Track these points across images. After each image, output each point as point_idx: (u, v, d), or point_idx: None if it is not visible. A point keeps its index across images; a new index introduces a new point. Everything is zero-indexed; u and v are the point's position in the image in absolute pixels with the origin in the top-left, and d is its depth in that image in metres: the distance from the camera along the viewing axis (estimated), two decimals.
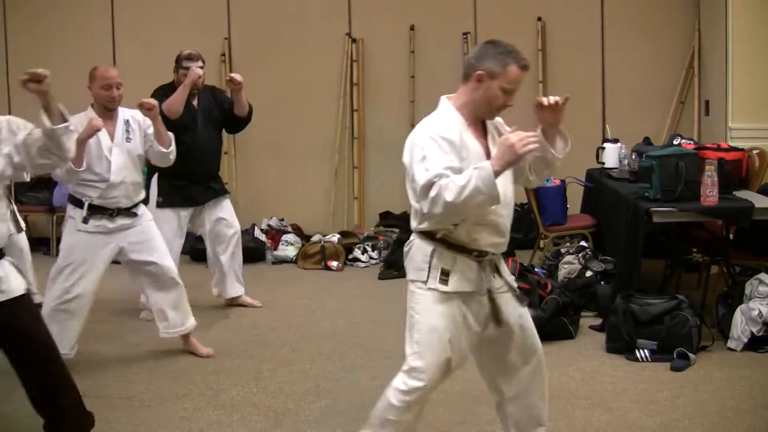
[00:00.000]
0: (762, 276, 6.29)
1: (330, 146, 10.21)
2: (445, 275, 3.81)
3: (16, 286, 4.14)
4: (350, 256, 9.22)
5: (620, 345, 6.07)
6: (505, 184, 3.80)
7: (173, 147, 6.16)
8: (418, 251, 3.90)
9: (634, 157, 7.57)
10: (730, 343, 6.14)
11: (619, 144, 8.24)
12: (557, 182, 8.12)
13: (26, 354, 4.19)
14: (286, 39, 10.18)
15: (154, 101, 5.96)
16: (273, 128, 10.21)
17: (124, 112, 6.02)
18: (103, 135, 5.81)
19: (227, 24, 10.41)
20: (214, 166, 7.43)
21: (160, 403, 5.37)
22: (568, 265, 7.47)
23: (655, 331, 5.97)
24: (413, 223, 3.91)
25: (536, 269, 7.42)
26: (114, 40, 10.46)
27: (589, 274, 7.27)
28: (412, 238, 3.97)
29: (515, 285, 4.07)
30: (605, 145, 8.35)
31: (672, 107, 9.87)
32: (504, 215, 3.87)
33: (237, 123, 7.47)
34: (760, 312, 6.06)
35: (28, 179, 4.43)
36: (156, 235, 6.14)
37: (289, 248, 9.40)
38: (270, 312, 7.42)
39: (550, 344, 6.22)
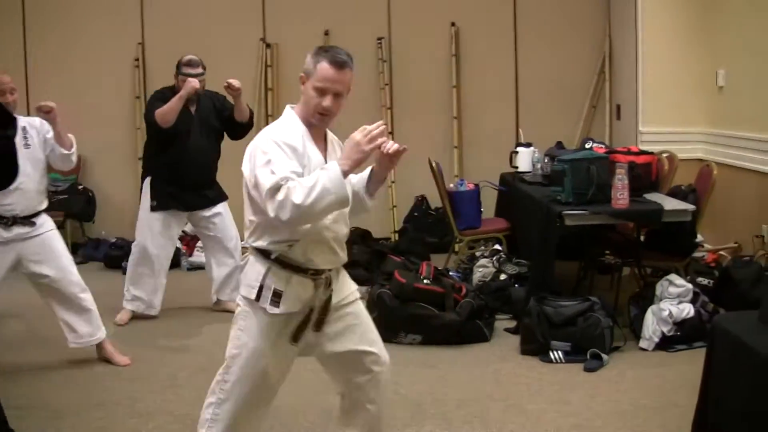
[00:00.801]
0: (672, 277, 6.41)
1: (243, 152, 10.12)
2: (277, 297, 3.73)
3: None
4: None
5: (534, 347, 6.14)
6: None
7: (74, 149, 6.03)
8: (252, 269, 3.80)
9: (546, 160, 7.67)
10: (642, 343, 6.25)
11: (532, 148, 8.34)
12: (471, 186, 8.17)
13: None
14: (201, 43, 10.05)
15: (51, 104, 5.79)
16: None
17: (20, 119, 5.84)
18: None
19: (141, 28, 10.30)
20: (208, 173, 7.28)
21: (75, 412, 5.29)
22: (483, 269, 7.53)
23: (569, 333, 6.05)
24: (249, 239, 3.84)
25: (451, 273, 7.47)
26: (25, 44, 10.28)
27: (503, 277, 7.33)
28: (247, 254, 3.88)
29: (357, 295, 4.05)
30: (518, 149, 8.44)
31: (584, 111, 10.02)
32: (338, 232, 3.83)
33: (238, 129, 7.32)
34: (670, 312, 6.17)
35: None
36: (57, 245, 5.99)
37: (204, 255, 9.30)
38: (185, 318, 7.36)
39: (465, 347, 6.34)
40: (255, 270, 3.77)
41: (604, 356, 5.94)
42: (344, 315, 3.94)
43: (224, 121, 7.23)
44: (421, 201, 9.87)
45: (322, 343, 3.91)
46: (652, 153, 7.33)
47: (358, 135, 3.54)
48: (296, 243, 3.69)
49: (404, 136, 9.96)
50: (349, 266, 8.27)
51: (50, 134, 5.92)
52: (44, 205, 5.98)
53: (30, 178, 5.80)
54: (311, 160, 3.70)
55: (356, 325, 3.98)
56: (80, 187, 10.12)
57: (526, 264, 7.32)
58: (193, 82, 6.88)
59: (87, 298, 6.08)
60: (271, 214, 3.53)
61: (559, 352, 6.03)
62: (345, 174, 3.50)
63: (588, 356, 5.94)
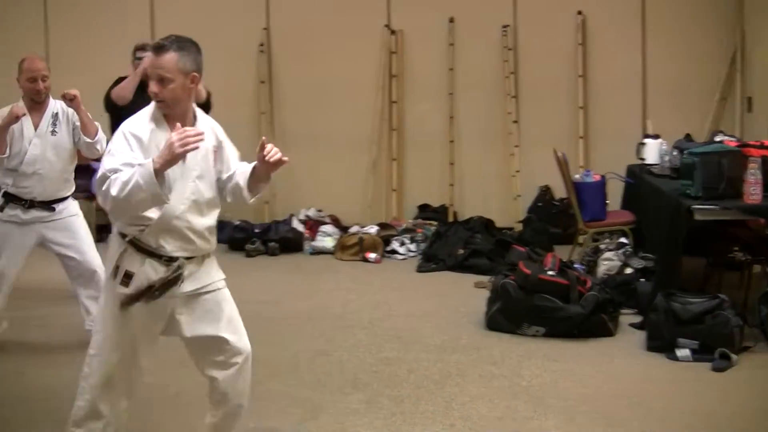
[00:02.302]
0: None
1: (368, 138, 10.21)
2: (127, 278, 3.84)
3: None
4: (388, 248, 9.20)
5: (660, 344, 6.00)
6: (201, 190, 3.88)
7: (99, 137, 6.07)
8: (112, 245, 3.96)
9: (675, 153, 7.50)
10: None
11: (660, 140, 8.16)
12: (597, 178, 8.06)
13: None
14: (326, 29, 10.18)
15: (75, 91, 5.87)
16: (311, 119, 10.25)
17: (55, 105, 6.00)
18: (27, 125, 5.86)
19: (266, 14, 10.42)
20: None
21: (198, 395, 5.31)
22: (608, 262, 7.41)
23: (696, 331, 5.90)
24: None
25: (575, 265, 7.36)
26: (153, 29, 10.49)
27: (629, 271, 7.20)
28: (113, 230, 4.00)
29: (222, 285, 4.12)
30: (646, 140, 8.27)
31: (714, 103, 9.77)
32: (192, 222, 3.88)
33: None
34: None
35: None
36: (80, 229, 6.13)
37: (326, 239, 9.39)
38: (307, 302, 7.41)
39: (588, 341, 6.24)
40: (113, 250, 3.93)
41: (733, 356, 5.78)
42: (203, 302, 4.02)
43: None
44: (546, 191, 9.78)
45: (180, 327, 4.00)
46: None
47: (175, 136, 3.58)
48: (147, 228, 3.80)
49: (529, 125, 9.91)
50: (472, 255, 8.37)
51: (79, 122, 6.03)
52: (67, 191, 6.10)
53: (51, 164, 5.94)
54: (161, 149, 3.69)
55: (215, 312, 4.06)
56: None
57: (653, 258, 7.17)
58: (146, 61, 6.96)
59: (101, 282, 6.18)
60: (100, 202, 3.74)
61: (686, 350, 5.88)
62: (157, 172, 3.55)
63: (716, 356, 5.78)
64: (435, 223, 9.52)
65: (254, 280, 8.16)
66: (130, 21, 10.34)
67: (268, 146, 3.86)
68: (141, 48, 7.16)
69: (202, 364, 4.17)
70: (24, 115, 5.79)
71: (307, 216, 9.95)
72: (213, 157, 3.97)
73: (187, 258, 3.90)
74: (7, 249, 5.96)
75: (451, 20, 10.10)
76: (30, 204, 5.91)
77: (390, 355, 6.05)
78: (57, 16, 10.55)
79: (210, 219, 3.97)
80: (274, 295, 7.64)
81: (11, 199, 5.91)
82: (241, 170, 4.03)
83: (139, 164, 3.61)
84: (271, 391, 5.37)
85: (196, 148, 3.66)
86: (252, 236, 9.43)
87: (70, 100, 5.86)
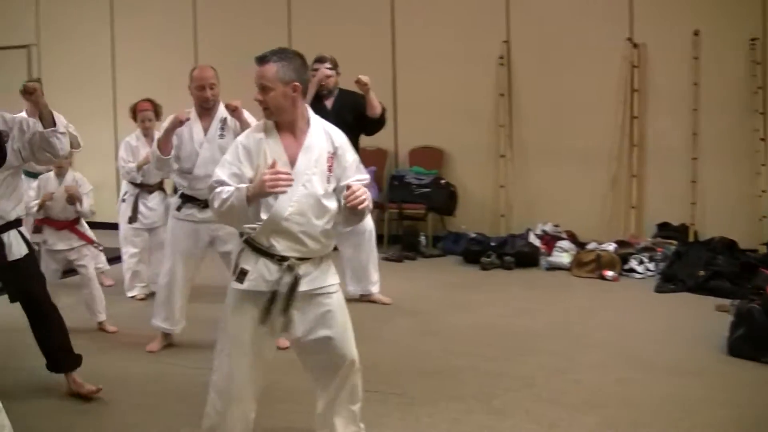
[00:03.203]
0: None
1: (607, 153, 10.08)
2: (243, 274, 4.11)
3: (17, 250, 5.23)
4: (626, 267, 9.06)
5: None
6: (312, 194, 4.09)
7: None
8: (236, 244, 4.25)
9: None
10: None
11: None
12: None
13: (26, 305, 5.33)
14: (566, 42, 10.13)
15: (237, 102, 6.15)
16: (550, 132, 10.23)
17: (224, 111, 6.29)
18: (197, 130, 6.27)
19: (506, 27, 10.45)
20: None
21: (433, 402, 5.41)
22: None
23: None
24: None
25: None
26: (394, 39, 10.71)
27: None
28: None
29: (335, 288, 4.29)
30: None
31: None
32: (302, 224, 4.07)
33: (370, 125, 7.57)
34: None
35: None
36: None
37: (563, 255, 9.34)
38: (543, 318, 7.38)
39: None
40: (236, 249, 4.23)
41: None
42: (317, 304, 4.21)
43: (358, 117, 7.41)
44: None
45: (293, 325, 4.17)
46: None
47: (268, 175, 3.87)
48: (260, 228, 4.06)
49: None
50: (714, 277, 8.13)
51: None
52: None
53: None
54: (269, 158, 4.04)
55: (327, 316, 4.23)
56: (443, 181, 10.41)
57: None
58: (324, 71, 7.41)
59: None
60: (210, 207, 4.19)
61: None
62: (249, 200, 3.94)
63: None
64: (675, 242, 9.30)
65: (489, 294, 8.20)
66: (372, 35, 10.60)
67: (353, 187, 4.04)
68: (318, 60, 7.46)
69: (308, 366, 4.42)
70: (187, 119, 6.23)
71: (544, 231, 9.92)
72: (329, 163, 4.17)
73: (300, 259, 4.11)
74: (181, 247, 6.38)
75: (696, 33, 9.85)
76: (205, 204, 6.14)
77: (627, 377, 5.94)
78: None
79: (322, 222, 4.16)
80: (510, 310, 7.66)
81: (188, 199, 6.32)
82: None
83: (238, 187, 3.96)
84: (506, 405, 5.38)
85: (284, 192, 3.94)
86: (488, 249, 9.50)
87: (232, 111, 6.21)
